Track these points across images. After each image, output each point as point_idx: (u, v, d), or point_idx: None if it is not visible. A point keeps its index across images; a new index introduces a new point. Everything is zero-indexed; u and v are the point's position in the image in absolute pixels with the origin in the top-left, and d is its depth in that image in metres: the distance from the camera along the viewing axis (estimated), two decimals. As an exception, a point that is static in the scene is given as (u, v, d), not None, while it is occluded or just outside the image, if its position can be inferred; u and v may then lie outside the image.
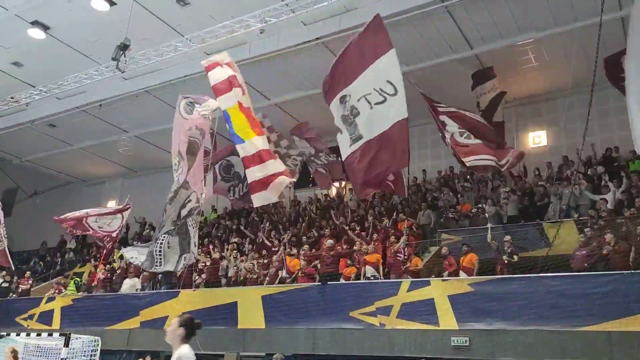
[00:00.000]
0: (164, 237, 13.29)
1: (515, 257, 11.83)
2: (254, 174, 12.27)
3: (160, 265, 13.31)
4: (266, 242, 17.16)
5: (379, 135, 11.81)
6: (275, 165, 12.45)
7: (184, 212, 13.36)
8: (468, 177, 17.93)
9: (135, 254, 13.88)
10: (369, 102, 12.02)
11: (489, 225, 12.87)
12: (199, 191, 13.61)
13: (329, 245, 14.63)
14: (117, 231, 18.09)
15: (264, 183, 12.20)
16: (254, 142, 12.42)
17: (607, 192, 13.89)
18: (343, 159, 13.03)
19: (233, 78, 13.10)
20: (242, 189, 17.37)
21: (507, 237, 12.19)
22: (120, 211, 18.03)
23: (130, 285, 16.33)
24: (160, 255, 13.18)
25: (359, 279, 13.21)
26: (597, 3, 11.06)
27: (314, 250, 15.46)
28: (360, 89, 12.20)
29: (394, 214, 16.10)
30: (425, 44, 16.26)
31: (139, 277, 16.94)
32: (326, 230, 16.32)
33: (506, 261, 11.79)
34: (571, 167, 15.84)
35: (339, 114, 12.71)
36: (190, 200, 13.39)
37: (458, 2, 14.26)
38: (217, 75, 13.08)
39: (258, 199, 12.43)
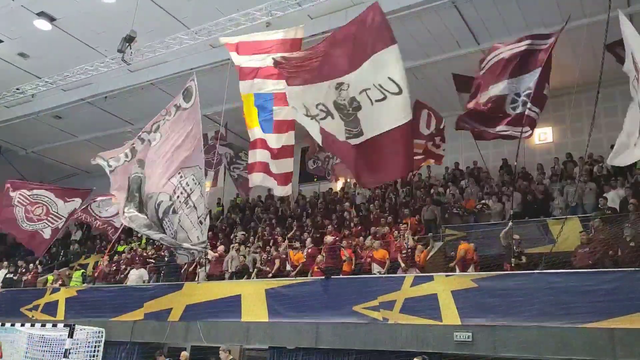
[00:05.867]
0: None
1: (524, 259, 11.67)
2: (255, 156, 12.27)
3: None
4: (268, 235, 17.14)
5: (380, 136, 10.76)
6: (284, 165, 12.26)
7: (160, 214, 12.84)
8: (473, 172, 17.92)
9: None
10: (369, 98, 10.83)
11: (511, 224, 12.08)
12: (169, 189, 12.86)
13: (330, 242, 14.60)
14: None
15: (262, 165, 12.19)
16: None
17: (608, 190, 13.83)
18: (329, 144, 11.68)
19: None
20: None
21: (516, 236, 11.91)
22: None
23: (137, 276, 16.26)
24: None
25: (360, 273, 13.22)
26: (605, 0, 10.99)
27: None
28: (360, 82, 10.90)
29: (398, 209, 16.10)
30: (432, 38, 16.19)
31: (145, 269, 16.95)
32: (329, 226, 16.28)
33: (513, 264, 11.61)
34: (576, 164, 15.77)
35: (329, 97, 11.22)
36: (161, 202, 12.77)
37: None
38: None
39: (255, 178, 12.39)
